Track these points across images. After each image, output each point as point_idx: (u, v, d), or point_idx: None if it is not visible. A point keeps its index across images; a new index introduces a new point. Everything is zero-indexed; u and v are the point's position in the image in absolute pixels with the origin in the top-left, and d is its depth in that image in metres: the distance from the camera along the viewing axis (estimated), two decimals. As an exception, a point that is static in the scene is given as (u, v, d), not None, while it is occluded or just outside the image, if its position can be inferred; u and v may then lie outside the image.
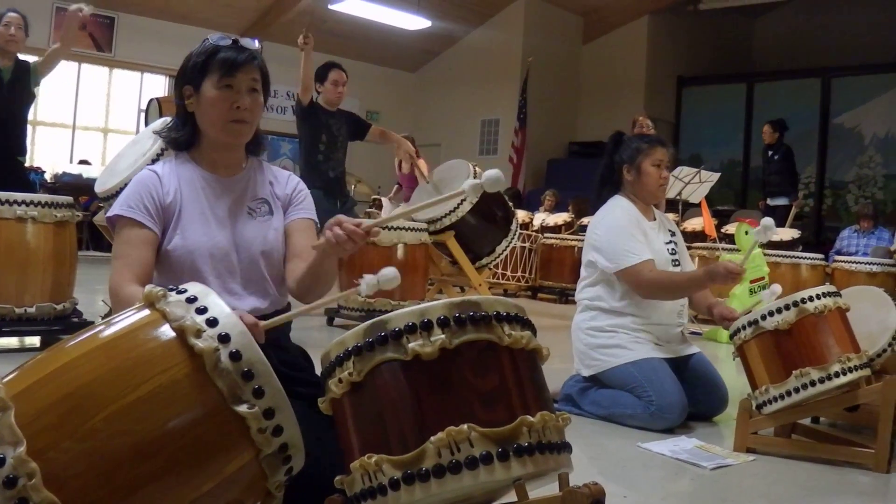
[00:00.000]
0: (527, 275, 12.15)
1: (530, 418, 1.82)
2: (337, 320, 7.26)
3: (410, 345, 1.82)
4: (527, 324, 1.99)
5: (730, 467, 3.76)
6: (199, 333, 1.70)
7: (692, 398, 4.45)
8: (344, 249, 2.42)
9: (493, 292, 11.43)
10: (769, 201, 12.96)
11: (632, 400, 4.35)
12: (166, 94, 14.51)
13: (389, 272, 2.16)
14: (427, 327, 1.83)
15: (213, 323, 1.72)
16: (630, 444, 4.03)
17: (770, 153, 13.07)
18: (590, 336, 4.59)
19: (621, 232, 4.55)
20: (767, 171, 13.05)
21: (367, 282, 2.16)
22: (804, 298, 3.79)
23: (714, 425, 4.60)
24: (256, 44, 2.79)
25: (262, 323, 2.11)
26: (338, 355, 1.92)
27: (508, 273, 11.90)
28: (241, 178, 2.83)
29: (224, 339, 1.70)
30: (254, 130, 2.80)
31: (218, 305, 1.77)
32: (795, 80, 18.28)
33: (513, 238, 8.13)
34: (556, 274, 12.00)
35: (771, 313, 3.81)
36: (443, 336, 1.82)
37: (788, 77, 18.40)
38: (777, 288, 4.28)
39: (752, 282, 8.16)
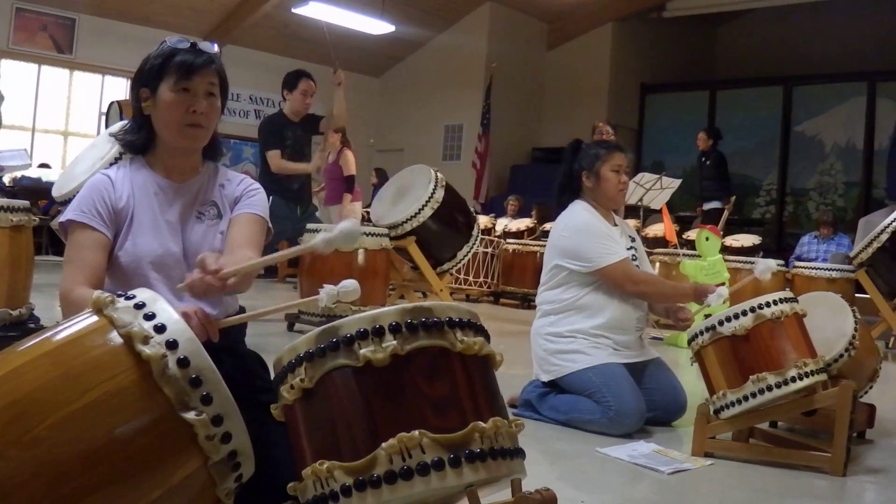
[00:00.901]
0: (489, 280, 12.17)
1: (482, 424, 1.82)
2: (297, 326, 7.22)
3: (362, 351, 1.81)
4: (480, 330, 1.98)
5: (687, 472, 3.77)
6: (146, 340, 1.69)
7: (651, 403, 4.47)
8: (203, 296, 2.34)
9: (456, 298, 11.47)
10: (704, 206, 13.06)
11: (590, 405, 4.35)
12: (127, 97, 14.45)
13: (350, 284, 2.15)
14: (379, 333, 1.83)
15: (160, 329, 1.71)
16: (588, 449, 4.04)
17: (703, 159, 13.20)
18: (549, 341, 4.59)
19: (593, 233, 4.58)
20: (701, 176, 13.17)
21: (327, 292, 2.15)
22: (761, 304, 3.81)
23: (673, 430, 4.61)
24: (215, 47, 2.76)
25: (221, 321, 2.10)
26: (290, 361, 1.91)
27: (471, 278, 11.92)
28: (195, 182, 2.80)
29: (172, 345, 1.69)
30: (210, 135, 2.76)
31: (166, 311, 1.76)
32: (758, 89, 18.41)
33: (474, 243, 8.12)
34: (518, 279, 12.01)
35: (728, 319, 3.82)
36: (394, 342, 1.82)
37: (751, 85, 18.52)
38: (724, 290, 4.32)
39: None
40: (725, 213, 11.72)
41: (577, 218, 4.67)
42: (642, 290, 4.58)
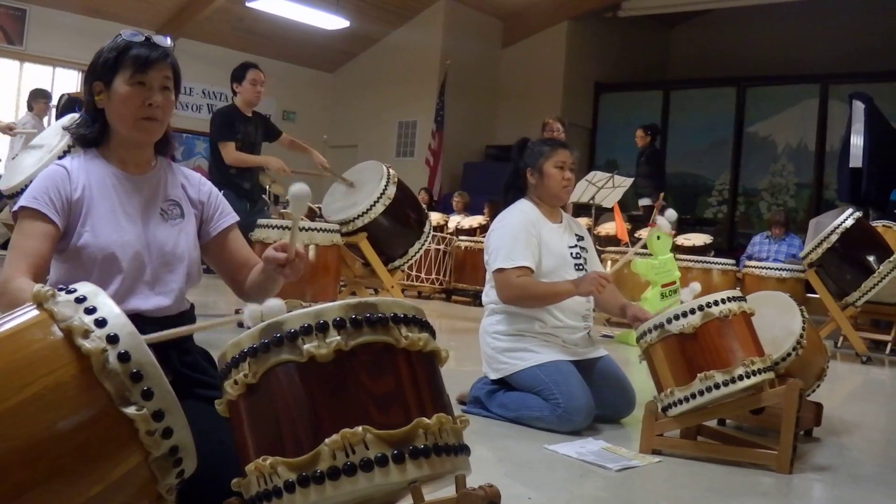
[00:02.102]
0: (441, 277, 12.18)
1: (426, 420, 1.82)
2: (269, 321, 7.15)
3: (306, 346, 1.81)
4: (425, 326, 1.98)
5: (635, 469, 3.79)
6: (86, 334, 1.67)
7: (600, 400, 4.49)
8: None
9: (408, 294, 11.48)
10: (640, 202, 13.18)
11: (539, 402, 4.37)
12: (79, 90, 14.30)
13: (275, 304, 2.13)
14: (323, 329, 1.82)
15: (101, 323, 1.69)
16: (537, 446, 4.04)
17: (639, 156, 13.31)
18: (496, 340, 4.60)
19: (510, 234, 4.57)
20: (637, 173, 13.27)
21: (250, 313, 2.13)
22: (709, 303, 3.83)
23: (621, 427, 4.63)
24: (169, 41, 2.75)
25: (148, 337, 2.10)
26: (234, 357, 1.90)
27: (423, 275, 11.91)
28: (152, 176, 2.79)
29: (112, 339, 1.67)
30: (164, 128, 2.76)
31: (107, 305, 1.74)
32: (711, 89, 18.51)
33: (426, 240, 8.10)
34: (470, 276, 12.02)
35: (676, 317, 3.85)
36: (338, 338, 1.81)
37: (704, 86, 18.62)
38: (696, 286, 4.33)
39: (663, 286, 8.25)
40: (654, 211, 11.83)
41: (508, 216, 4.70)
42: (512, 299, 4.54)
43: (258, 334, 1.87)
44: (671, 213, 4.66)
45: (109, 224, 2.62)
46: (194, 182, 2.91)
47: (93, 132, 2.74)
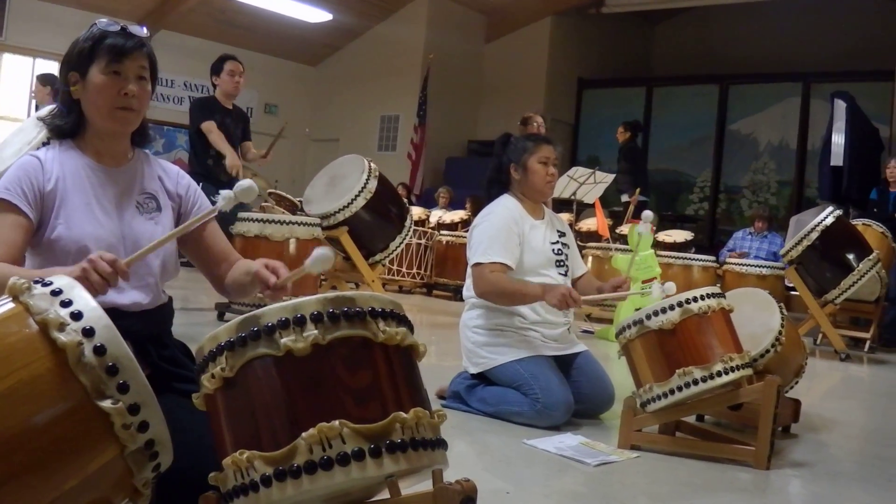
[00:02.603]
0: (422, 272, 12.19)
1: (403, 415, 1.82)
2: (228, 315, 7.17)
3: (283, 340, 1.80)
4: (403, 320, 1.97)
5: (613, 464, 3.81)
6: (62, 327, 1.66)
7: (579, 396, 4.50)
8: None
9: (389, 289, 11.47)
10: (621, 198, 13.31)
11: (518, 397, 4.38)
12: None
13: (245, 182, 2.19)
14: (300, 323, 1.82)
15: (77, 316, 1.68)
16: (516, 441, 4.06)
17: (619, 152, 13.45)
18: (476, 334, 4.61)
19: (491, 230, 4.59)
20: (617, 169, 13.36)
21: (224, 196, 2.17)
22: (689, 299, 3.85)
23: (600, 422, 4.65)
24: (145, 31, 2.73)
25: (124, 260, 2.11)
26: (211, 350, 1.89)
27: (404, 270, 11.92)
28: (128, 169, 2.76)
29: (88, 332, 1.66)
30: (141, 119, 2.73)
31: (83, 298, 1.73)
32: (694, 87, 18.49)
33: (407, 234, 8.11)
34: (451, 271, 12.03)
35: (656, 313, 3.86)
36: (316, 332, 1.81)
37: (687, 83, 18.60)
38: (670, 286, 4.34)
39: (643, 282, 8.25)
40: (630, 207, 11.90)
41: (492, 212, 4.70)
42: (483, 291, 4.54)
43: (235, 328, 1.86)
44: (647, 215, 4.65)
45: (84, 217, 2.60)
46: (172, 175, 2.89)
47: (68, 123, 2.72)
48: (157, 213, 2.76)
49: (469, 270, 4.66)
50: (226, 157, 7.59)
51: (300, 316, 1.82)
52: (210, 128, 7.48)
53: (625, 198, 13.06)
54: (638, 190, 12.54)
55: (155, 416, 1.73)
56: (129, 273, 2.45)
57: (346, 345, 1.84)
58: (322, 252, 2.22)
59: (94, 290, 2.08)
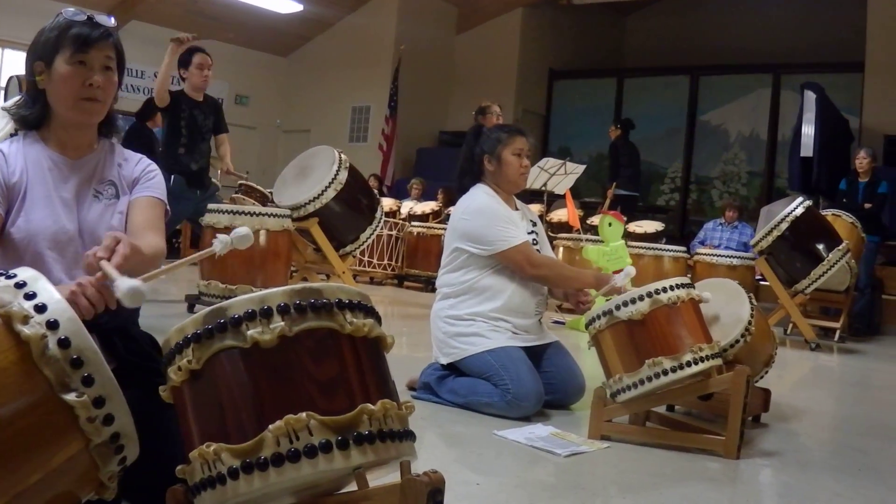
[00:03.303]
0: (393, 263, 12.19)
1: (371, 406, 1.80)
2: (197, 307, 7.14)
3: (250, 332, 1.79)
4: (370, 312, 1.96)
5: (584, 454, 3.82)
6: (26, 320, 1.64)
7: (549, 387, 4.52)
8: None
9: (360, 280, 11.48)
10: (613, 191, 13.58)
11: (489, 388, 4.38)
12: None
13: (242, 230, 2.15)
14: (267, 314, 1.80)
15: (41, 309, 1.66)
16: (486, 432, 4.05)
17: (612, 149, 13.79)
18: (448, 324, 4.61)
19: (493, 216, 4.61)
20: (613, 166, 13.65)
21: (221, 241, 2.15)
22: (658, 289, 3.85)
23: (571, 413, 4.66)
24: (112, 21, 2.70)
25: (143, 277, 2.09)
26: (177, 342, 1.87)
27: (375, 261, 11.92)
28: (90, 159, 2.73)
29: (52, 325, 1.64)
30: (107, 110, 2.69)
31: (47, 291, 1.71)
32: (664, 78, 18.58)
33: (377, 226, 8.10)
34: (422, 262, 12.04)
35: (625, 303, 3.87)
36: (282, 323, 1.79)
37: (658, 74, 18.69)
38: (631, 269, 4.37)
39: (615, 273, 8.26)
40: (606, 201, 12.02)
41: (478, 201, 4.68)
42: (542, 274, 4.62)
43: (202, 320, 1.84)
44: (630, 271, 4.66)
45: (44, 209, 2.57)
46: (132, 160, 2.85)
47: (33, 113, 2.68)
48: (115, 200, 2.72)
49: (445, 259, 4.70)
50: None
51: (267, 308, 1.81)
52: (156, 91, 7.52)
53: (620, 191, 13.20)
54: (614, 184, 12.63)
55: (120, 409, 1.71)
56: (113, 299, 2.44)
57: (312, 336, 1.82)
58: (242, 230, 2.21)
59: (80, 314, 2.05)
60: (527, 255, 4.56)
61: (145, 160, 2.90)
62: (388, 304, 10.45)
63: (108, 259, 2.18)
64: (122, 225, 2.71)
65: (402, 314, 9.71)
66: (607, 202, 12.20)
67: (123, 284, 1.99)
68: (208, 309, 1.85)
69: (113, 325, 2.58)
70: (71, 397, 1.63)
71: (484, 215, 4.61)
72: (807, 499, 3.49)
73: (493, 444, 3.90)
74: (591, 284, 4.63)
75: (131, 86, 16.69)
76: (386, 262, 12.08)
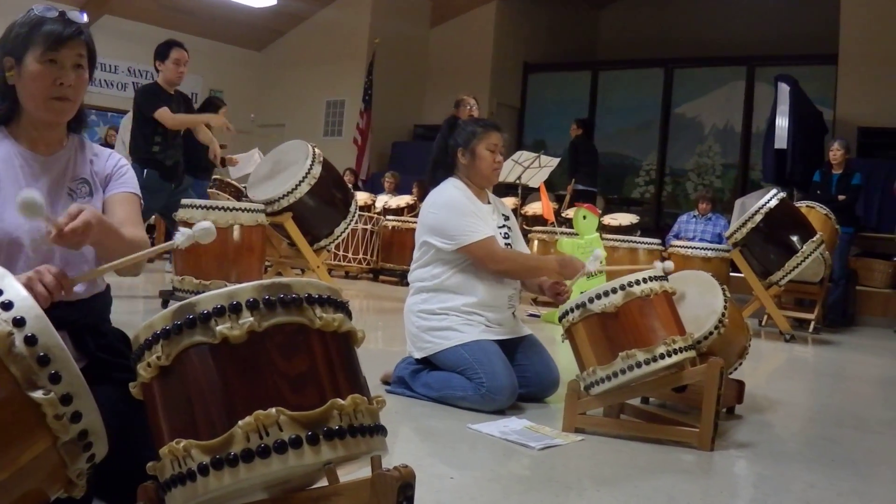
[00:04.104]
0: (368, 257, 12.17)
1: (341, 401, 1.80)
2: (172, 303, 7.10)
3: (218, 328, 1.78)
4: (340, 306, 1.95)
5: (558, 447, 3.81)
6: (-8, 317, 1.63)
7: (524, 380, 4.52)
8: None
9: (335, 275, 11.46)
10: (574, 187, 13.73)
11: (463, 382, 4.38)
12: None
13: (204, 223, 2.14)
14: (236, 310, 1.79)
15: (7, 306, 1.66)
16: (460, 426, 4.05)
17: (571, 146, 13.91)
18: (421, 318, 4.60)
19: (459, 210, 4.59)
20: (571, 162, 13.85)
21: (183, 233, 2.14)
22: (631, 282, 3.86)
23: (545, 406, 4.66)
24: (84, 17, 2.68)
25: (71, 276, 2.06)
26: (146, 339, 1.86)
27: (350, 255, 11.90)
28: (61, 156, 2.71)
29: (19, 322, 1.64)
30: (77, 108, 2.67)
31: (13, 288, 1.70)
32: (639, 70, 18.61)
33: (352, 220, 8.09)
34: (397, 256, 12.03)
35: (598, 296, 3.87)
36: (251, 319, 1.78)
37: (632, 67, 18.71)
38: (600, 252, 4.39)
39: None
40: (567, 197, 12.13)
41: (445, 195, 4.68)
42: (505, 268, 4.61)
43: (171, 316, 1.83)
44: (598, 254, 4.67)
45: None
46: (103, 156, 2.84)
47: (2, 109, 2.65)
48: (88, 199, 2.70)
49: (417, 254, 4.69)
50: (211, 125, 7.68)
51: (236, 303, 1.80)
52: (168, 118, 7.42)
53: (579, 187, 13.29)
54: (574, 180, 12.70)
55: (88, 406, 1.70)
56: (65, 262, 2.42)
57: (282, 331, 1.82)
58: (205, 223, 2.20)
59: (39, 302, 2.04)
60: (489, 249, 4.54)
61: (115, 156, 2.88)
62: (363, 298, 10.44)
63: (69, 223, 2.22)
64: None
65: (377, 308, 9.70)
66: (567, 198, 12.25)
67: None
68: (177, 305, 1.84)
69: (84, 322, 2.57)
70: (38, 395, 1.62)
71: (449, 209, 4.60)
72: (780, 489, 3.50)
73: (467, 438, 3.89)
74: (555, 269, 4.61)
75: (104, 81, 16.64)
76: (361, 256, 12.06)
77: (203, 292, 2.05)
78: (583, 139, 14.22)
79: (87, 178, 2.73)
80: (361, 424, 1.84)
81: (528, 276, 4.75)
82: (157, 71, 7.67)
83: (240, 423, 1.73)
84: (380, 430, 1.92)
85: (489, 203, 4.83)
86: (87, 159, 2.77)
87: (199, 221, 2.19)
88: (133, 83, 17.14)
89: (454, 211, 4.59)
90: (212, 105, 10.25)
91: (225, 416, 1.76)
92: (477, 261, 4.56)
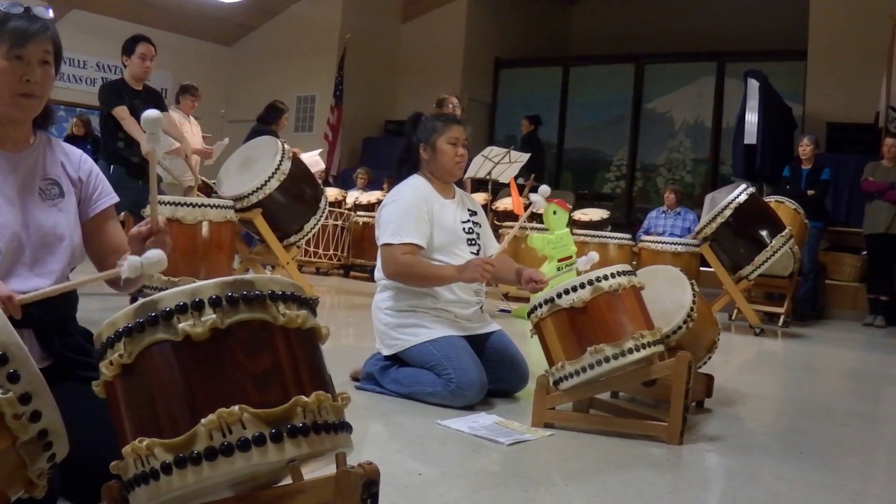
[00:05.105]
0: (339, 253, 12.16)
1: (305, 398, 1.79)
2: (140, 300, 7.05)
3: (181, 325, 1.77)
4: (304, 303, 1.94)
5: (527, 443, 3.82)
6: (-53, 318, 1.62)
7: (493, 375, 4.51)
8: None
9: (306, 271, 11.44)
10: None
11: (432, 378, 4.38)
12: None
13: (154, 255, 2.11)
14: (198, 307, 1.78)
15: (-38, 306, 1.64)
16: (429, 422, 4.05)
17: (521, 142, 14.07)
18: (389, 315, 4.60)
19: (401, 210, 4.59)
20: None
21: (130, 264, 2.10)
22: (599, 277, 3.87)
23: (515, 401, 4.66)
24: (50, 13, 2.65)
25: (19, 297, 2.03)
26: (109, 337, 1.85)
27: (321, 251, 11.88)
28: (30, 154, 2.67)
29: (-25, 322, 1.62)
30: (43, 104, 2.63)
31: (-30, 290, 1.69)
32: (610, 66, 18.64)
33: (321, 216, 8.07)
34: (368, 252, 12.01)
35: (567, 291, 3.87)
36: (214, 316, 1.77)
37: (603, 62, 18.74)
38: (594, 255, 4.39)
39: (560, 260, 8.32)
40: (526, 190, 12.24)
41: (399, 192, 4.71)
42: (396, 276, 4.59)
43: (133, 313, 1.82)
44: (544, 189, 4.68)
45: None
46: (74, 159, 2.80)
47: None
48: (59, 199, 2.67)
49: (379, 251, 4.66)
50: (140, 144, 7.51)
51: (198, 300, 1.79)
52: (122, 114, 7.34)
53: (520, 181, 13.41)
54: (533, 175, 12.76)
55: (48, 406, 1.69)
56: (35, 261, 2.39)
57: (245, 329, 1.81)
58: (155, 255, 2.17)
59: None
60: (392, 254, 4.53)
61: (86, 159, 2.86)
62: (333, 294, 10.44)
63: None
64: (69, 223, 2.68)
65: (348, 304, 9.70)
66: (527, 191, 12.32)
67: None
68: (140, 302, 1.83)
69: (49, 320, 2.54)
70: (-4, 394, 1.61)
71: (393, 208, 4.63)
72: (749, 482, 3.51)
73: (436, 434, 3.89)
74: (455, 276, 4.53)
75: (74, 76, 16.53)
76: (332, 252, 12.05)
77: (164, 289, 2.03)
78: (533, 134, 14.33)
79: (56, 179, 2.70)
80: (325, 421, 1.83)
81: (422, 284, 4.61)
82: (125, 66, 7.61)
83: (203, 421, 1.72)
84: (344, 427, 1.91)
85: (454, 197, 4.82)
86: (58, 160, 2.74)
87: (151, 251, 2.15)
88: (102, 78, 16.97)
89: (395, 210, 4.60)
90: (186, 91, 10.23)
91: (188, 415, 1.75)
92: (381, 261, 4.61)
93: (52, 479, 1.82)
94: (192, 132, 9.85)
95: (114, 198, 2.85)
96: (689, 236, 10.46)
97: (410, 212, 4.55)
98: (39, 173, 2.67)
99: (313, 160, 10.60)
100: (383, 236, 4.56)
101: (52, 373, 2.21)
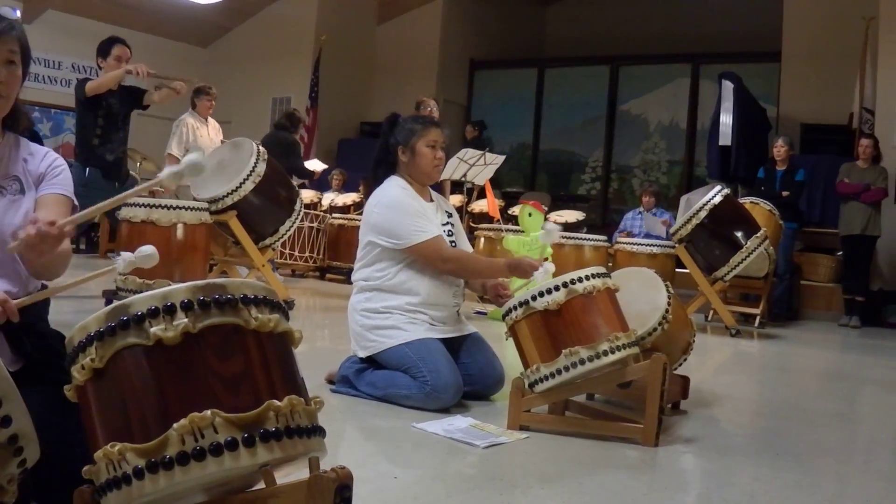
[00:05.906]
0: (315, 255, 12.13)
1: (277, 403, 1.79)
2: (115, 302, 7.02)
3: (152, 329, 1.76)
4: (276, 307, 1.94)
5: (502, 445, 3.82)
6: (-84, 320, 1.60)
7: (468, 378, 4.52)
8: (38, 252, 2.22)
9: (282, 273, 11.41)
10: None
11: (407, 380, 4.37)
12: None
13: (146, 249, 2.11)
14: (170, 311, 1.78)
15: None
16: (405, 425, 4.04)
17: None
18: (365, 317, 4.59)
19: (405, 209, 4.58)
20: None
21: (124, 259, 2.10)
22: (573, 279, 3.87)
23: (491, 404, 4.66)
24: (17, 13, 2.62)
25: (14, 301, 2.01)
26: (80, 341, 1.84)
27: (297, 253, 11.85)
28: None
29: (-55, 327, 1.61)
30: (10, 104, 2.61)
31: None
32: (585, 68, 18.65)
33: (297, 218, 8.05)
34: (344, 254, 11.99)
35: (541, 294, 3.88)
36: (186, 320, 1.77)
37: (578, 64, 18.75)
38: (550, 266, 4.39)
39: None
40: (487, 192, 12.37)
41: (390, 194, 4.67)
42: (452, 268, 4.62)
43: (104, 317, 1.81)
44: (549, 267, 4.69)
45: None
46: (38, 155, 2.76)
47: None
48: (20, 196, 2.64)
49: (361, 253, 4.67)
50: (124, 79, 7.57)
51: (170, 304, 1.78)
52: (96, 80, 7.37)
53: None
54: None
55: (18, 410, 1.68)
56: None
57: (217, 332, 1.80)
58: (195, 157, 2.15)
59: None
60: (437, 249, 4.55)
61: (52, 155, 2.82)
62: (309, 296, 10.42)
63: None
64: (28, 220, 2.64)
65: (324, 306, 9.69)
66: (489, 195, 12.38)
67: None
68: (111, 306, 1.82)
69: (21, 322, 2.52)
70: (-36, 400, 1.59)
71: (395, 209, 4.59)
72: (725, 484, 3.53)
73: (411, 437, 3.88)
74: (505, 273, 4.63)
75: (48, 77, 16.44)
76: (308, 254, 12.02)
77: (137, 292, 2.02)
78: (478, 140, 14.50)
79: (18, 176, 2.67)
80: (298, 426, 1.83)
81: (478, 276, 4.75)
82: (100, 68, 7.60)
83: (175, 425, 1.71)
84: (317, 432, 1.90)
85: (432, 201, 4.82)
86: (21, 157, 2.71)
87: (144, 246, 2.15)
88: (77, 79, 16.95)
89: (400, 211, 4.58)
90: (201, 93, 10.17)
91: (160, 419, 1.74)
92: (425, 260, 4.56)
93: (23, 484, 1.81)
94: (210, 136, 9.80)
95: (63, 189, 2.75)
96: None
97: (413, 207, 4.61)
98: (1, 172, 2.64)
99: (313, 161, 10.66)
100: (411, 238, 4.53)
101: (23, 376, 2.19)
